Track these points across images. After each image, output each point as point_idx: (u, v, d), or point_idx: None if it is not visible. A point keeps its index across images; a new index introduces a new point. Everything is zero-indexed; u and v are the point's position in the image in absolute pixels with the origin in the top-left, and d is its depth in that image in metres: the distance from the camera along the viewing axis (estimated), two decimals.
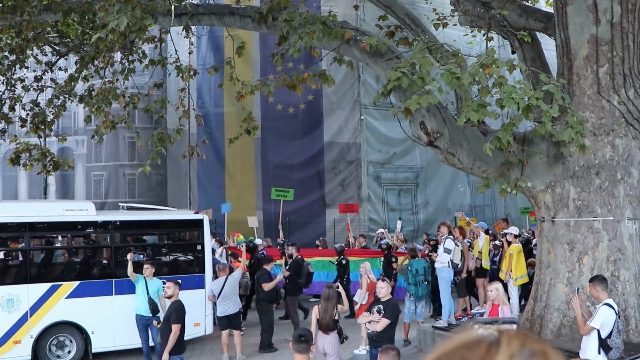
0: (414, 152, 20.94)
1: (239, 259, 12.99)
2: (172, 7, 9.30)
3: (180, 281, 9.78)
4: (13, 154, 15.29)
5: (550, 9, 12.53)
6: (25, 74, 15.89)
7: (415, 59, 7.95)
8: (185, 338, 9.46)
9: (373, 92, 19.09)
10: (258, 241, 16.03)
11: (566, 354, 6.68)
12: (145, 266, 10.86)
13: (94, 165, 26.40)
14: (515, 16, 11.04)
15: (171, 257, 12.56)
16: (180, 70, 10.90)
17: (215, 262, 12.82)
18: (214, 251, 13.61)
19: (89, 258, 12.00)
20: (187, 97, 12.16)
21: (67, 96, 15.02)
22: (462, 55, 8.34)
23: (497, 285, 9.02)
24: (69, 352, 11.09)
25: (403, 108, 7.92)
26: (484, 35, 11.59)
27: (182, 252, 12.67)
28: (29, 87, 15.31)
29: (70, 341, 11.11)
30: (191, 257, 12.44)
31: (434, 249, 13.45)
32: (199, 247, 12.26)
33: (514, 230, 12.61)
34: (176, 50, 12.78)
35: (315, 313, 8.46)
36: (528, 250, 14.06)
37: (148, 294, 10.68)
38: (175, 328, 8.95)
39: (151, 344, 10.77)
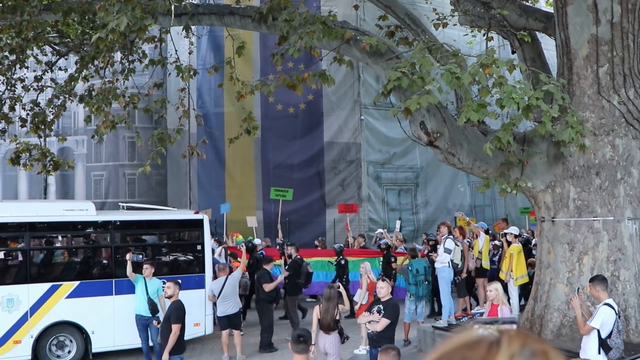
0: (414, 152, 20.92)
1: (239, 259, 12.99)
2: (172, 7, 9.30)
3: (180, 281, 9.79)
4: (13, 154, 15.28)
5: (550, 9, 12.52)
6: (25, 74, 15.89)
7: (415, 59, 7.95)
8: (185, 338, 9.47)
9: (373, 92, 19.07)
10: (257, 241, 16.02)
11: (566, 354, 6.68)
12: (144, 266, 10.87)
13: (94, 165, 26.39)
14: (515, 16, 11.04)
15: (171, 257, 12.56)
16: (180, 70, 10.89)
17: (215, 262, 12.82)
18: (213, 251, 13.61)
19: (89, 258, 12.01)
20: (187, 97, 12.15)
21: (67, 96, 15.01)
22: (462, 55, 8.33)
23: (497, 285, 9.04)
24: (69, 352, 11.09)
25: (403, 108, 7.92)
26: (484, 35, 11.58)
27: (182, 252, 12.67)
28: (29, 87, 15.30)
29: (70, 341, 11.11)
30: (191, 257, 12.45)
31: (433, 249, 13.46)
32: (199, 247, 12.27)
33: (514, 230, 12.61)
34: (176, 50, 12.77)
35: (316, 313, 8.46)
36: (528, 250, 14.08)
37: (147, 294, 10.69)
38: (175, 328, 8.96)
39: (150, 344, 10.78)
